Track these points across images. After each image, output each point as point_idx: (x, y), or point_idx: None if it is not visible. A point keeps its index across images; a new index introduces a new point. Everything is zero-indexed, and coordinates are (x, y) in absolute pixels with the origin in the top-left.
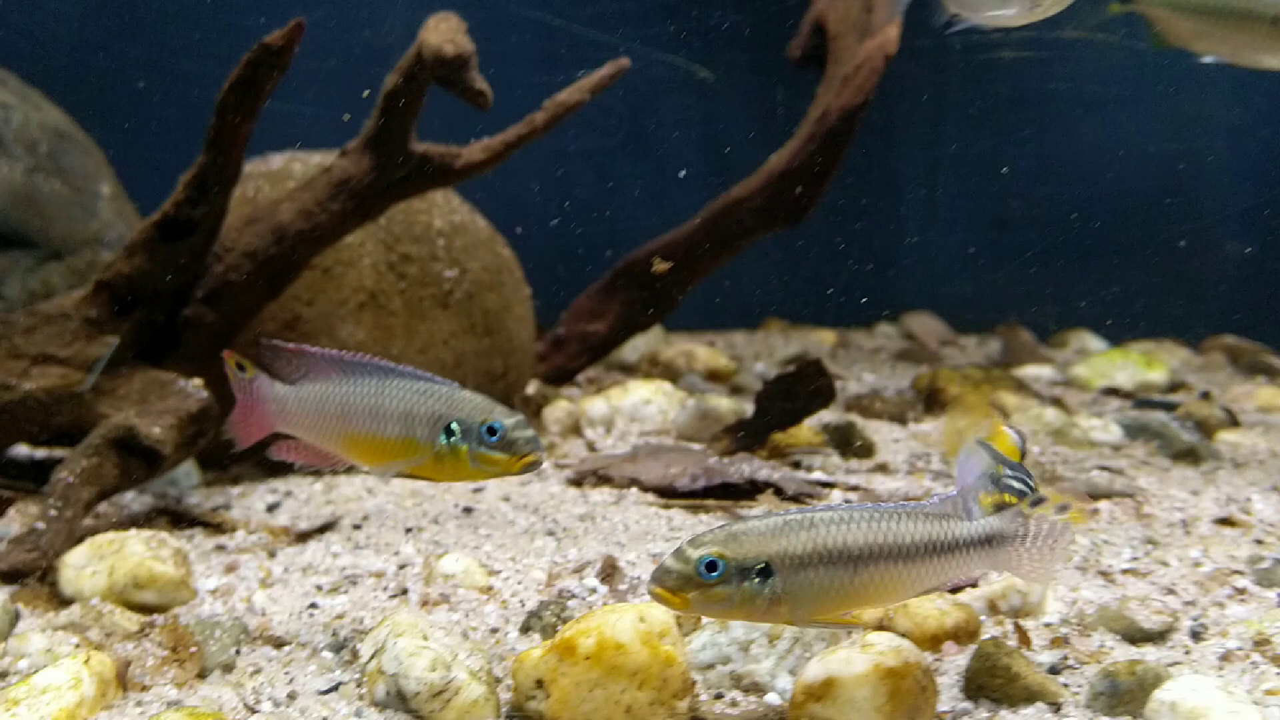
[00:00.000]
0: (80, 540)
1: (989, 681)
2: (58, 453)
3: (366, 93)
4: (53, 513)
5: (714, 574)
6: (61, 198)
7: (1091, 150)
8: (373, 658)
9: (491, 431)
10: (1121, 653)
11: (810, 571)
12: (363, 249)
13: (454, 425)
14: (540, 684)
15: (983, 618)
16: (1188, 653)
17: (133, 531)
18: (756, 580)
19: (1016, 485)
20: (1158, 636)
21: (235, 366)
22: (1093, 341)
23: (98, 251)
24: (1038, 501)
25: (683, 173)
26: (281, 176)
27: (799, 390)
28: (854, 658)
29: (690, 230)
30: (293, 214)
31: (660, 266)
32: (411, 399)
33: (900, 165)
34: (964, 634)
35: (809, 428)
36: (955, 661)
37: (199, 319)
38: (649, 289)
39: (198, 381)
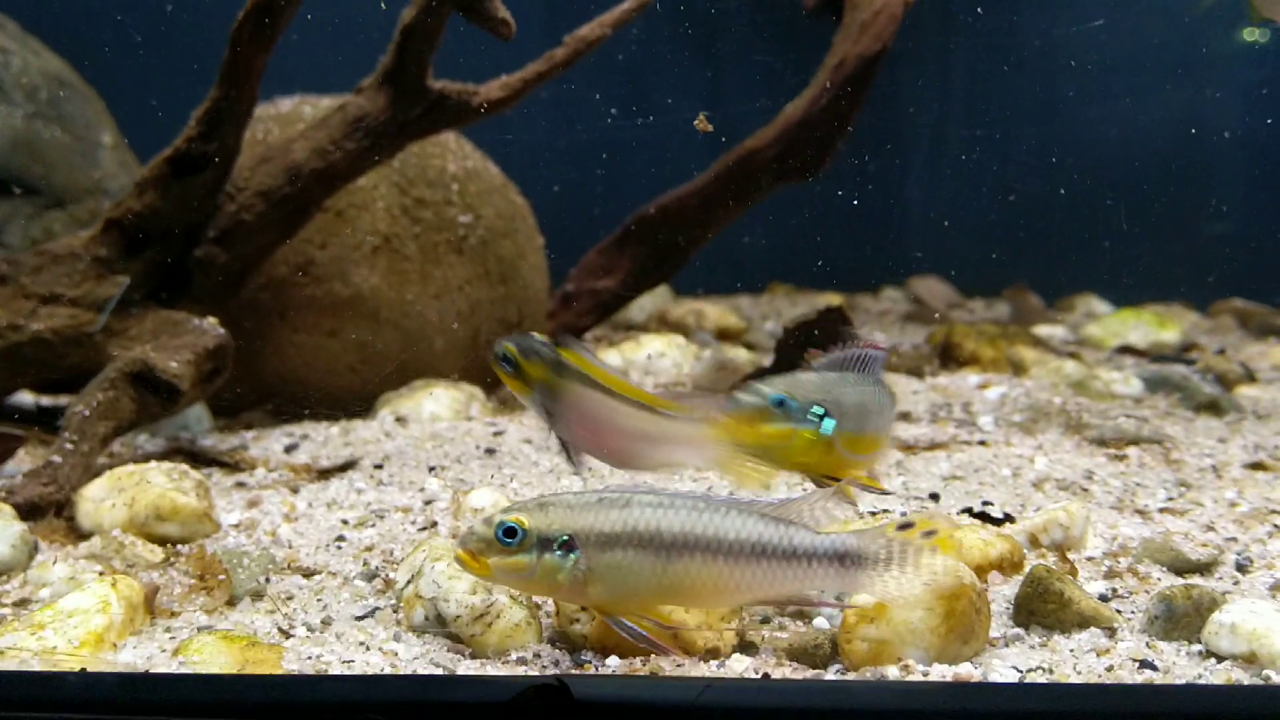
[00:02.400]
0: (97, 475)
1: (1040, 607)
2: (63, 399)
3: (385, 4)
4: (68, 446)
5: (512, 540)
6: (63, 145)
7: (1099, 114)
8: (409, 582)
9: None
10: (1169, 583)
11: (617, 552)
12: (376, 192)
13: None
14: (585, 607)
15: (1025, 550)
16: (1236, 583)
17: (153, 464)
18: (559, 553)
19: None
20: (1204, 568)
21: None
22: (1099, 306)
23: (100, 200)
24: (905, 525)
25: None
26: (291, 119)
27: (820, 336)
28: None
29: (703, 183)
30: (307, 152)
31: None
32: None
33: (905, 126)
34: (1009, 565)
35: None
36: (1001, 591)
37: (210, 259)
38: (660, 245)
39: (213, 319)
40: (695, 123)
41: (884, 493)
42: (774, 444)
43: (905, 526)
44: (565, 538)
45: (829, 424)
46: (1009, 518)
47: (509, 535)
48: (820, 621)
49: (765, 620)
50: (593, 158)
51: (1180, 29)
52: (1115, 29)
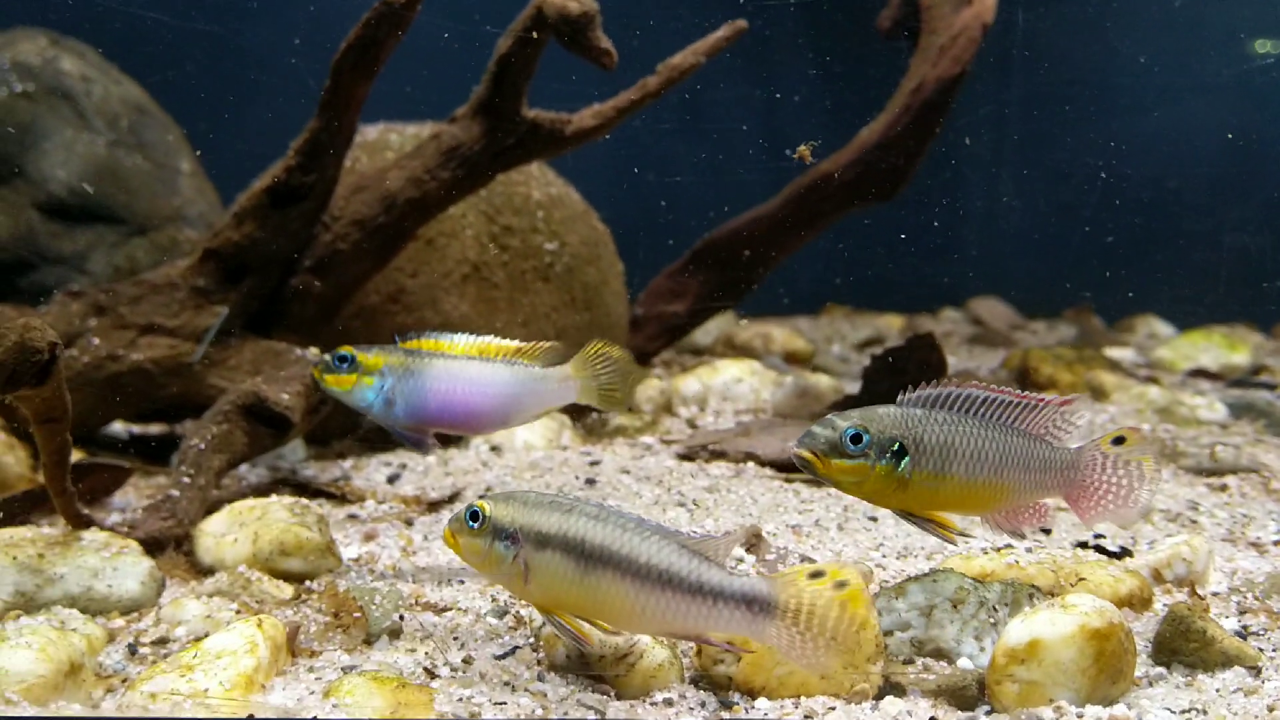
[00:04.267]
0: (212, 508)
1: (1182, 645)
2: (153, 429)
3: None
4: (185, 480)
5: (474, 524)
6: (144, 173)
7: (1158, 135)
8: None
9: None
10: None
11: (548, 553)
12: (465, 220)
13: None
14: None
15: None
16: None
17: (274, 498)
18: (505, 544)
19: None
20: None
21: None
22: (1161, 326)
23: (180, 228)
24: (816, 574)
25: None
26: (379, 147)
27: (908, 365)
28: (1058, 619)
29: (775, 207)
30: (401, 181)
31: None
32: None
33: (963, 147)
34: (1138, 601)
35: None
36: (1133, 628)
37: (307, 288)
38: (729, 268)
39: (315, 350)
40: (797, 153)
41: (950, 540)
42: (845, 479)
43: (816, 575)
44: (511, 531)
45: (905, 462)
46: (1126, 551)
47: (473, 519)
48: (964, 662)
49: (908, 661)
50: (655, 182)
51: (1243, 48)
52: (1176, 49)
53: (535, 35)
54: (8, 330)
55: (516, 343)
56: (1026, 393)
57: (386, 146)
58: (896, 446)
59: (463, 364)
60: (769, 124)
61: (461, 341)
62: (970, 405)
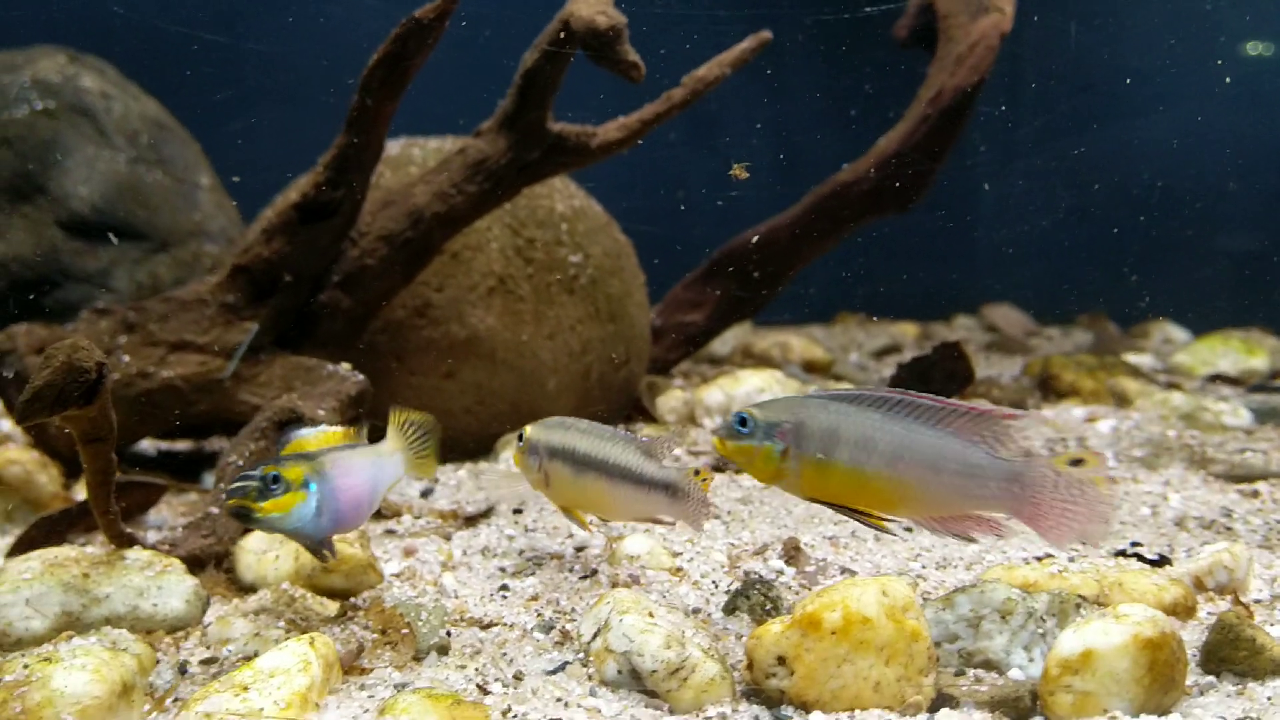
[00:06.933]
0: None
1: (1231, 654)
2: (179, 445)
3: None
4: (224, 497)
5: (520, 443)
6: (164, 189)
7: (1169, 140)
8: (596, 635)
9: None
10: None
11: (557, 463)
12: (490, 233)
13: None
14: (782, 660)
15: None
16: None
17: None
18: (535, 458)
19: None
20: None
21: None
22: (1176, 332)
23: (201, 243)
24: (696, 471)
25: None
26: (402, 162)
27: (934, 373)
28: (1111, 628)
29: (793, 216)
30: (428, 196)
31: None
32: None
33: (974, 154)
34: (1182, 610)
35: None
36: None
37: (334, 304)
38: (748, 278)
39: (347, 365)
40: (732, 171)
41: (882, 529)
42: (738, 459)
43: (696, 473)
44: (536, 447)
45: (774, 444)
46: (1165, 559)
47: (520, 440)
48: (1015, 673)
49: (959, 673)
50: (668, 194)
51: (1257, 51)
52: (1189, 55)
53: (562, 49)
54: (56, 350)
55: (336, 428)
56: (974, 404)
57: (409, 161)
58: (780, 430)
59: (347, 455)
60: (783, 135)
61: (311, 435)
62: (893, 406)
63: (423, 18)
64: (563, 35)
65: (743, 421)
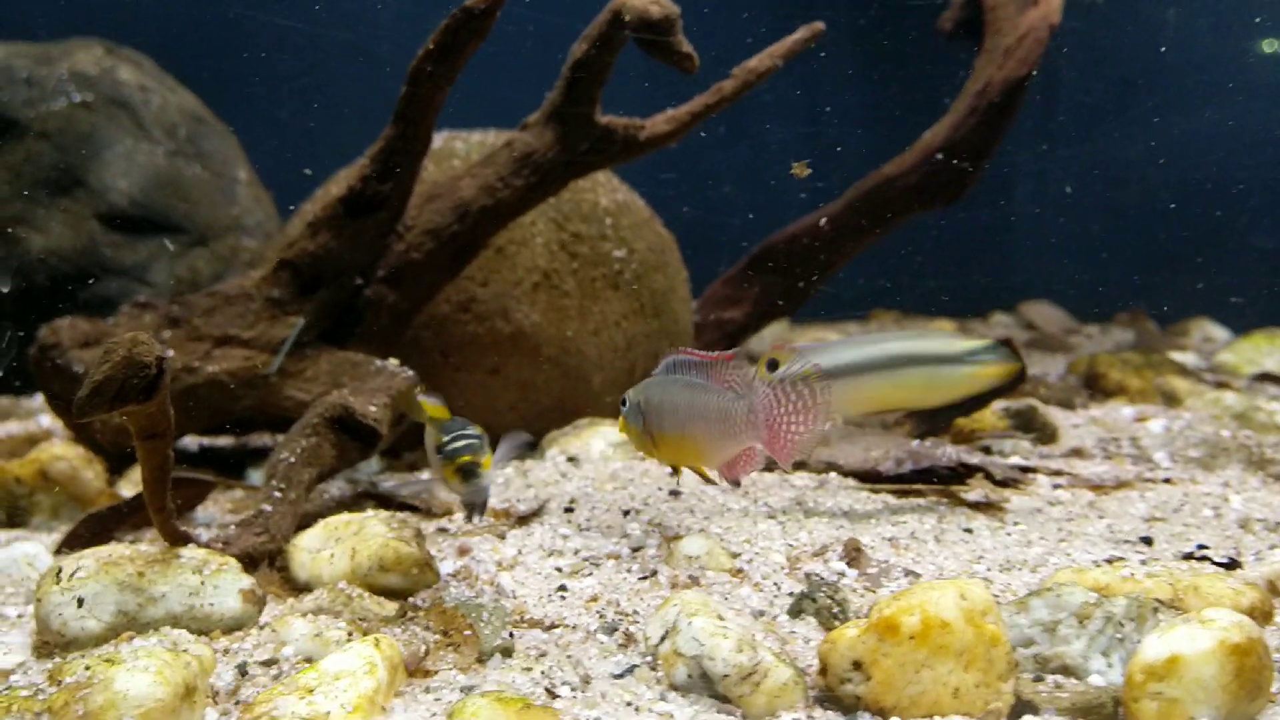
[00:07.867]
0: (302, 523)
1: None
2: (221, 441)
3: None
4: (276, 494)
5: (624, 408)
6: (203, 182)
7: (1209, 137)
8: (664, 639)
9: None
10: None
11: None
12: (534, 228)
13: None
14: (858, 665)
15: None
16: None
17: (369, 512)
18: (637, 418)
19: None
20: None
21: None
22: (1215, 330)
23: (239, 237)
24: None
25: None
26: (444, 155)
27: None
28: (1197, 634)
29: (835, 211)
30: (475, 190)
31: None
32: None
33: (1012, 151)
34: (1259, 614)
35: (992, 412)
36: None
37: (380, 299)
38: (788, 274)
39: (395, 360)
40: (792, 170)
41: (707, 480)
42: (626, 435)
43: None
44: (639, 405)
45: (638, 421)
46: (1235, 563)
47: (622, 404)
48: (1095, 679)
49: (1038, 679)
50: (712, 187)
51: None
52: (1230, 51)
53: (613, 39)
54: (116, 345)
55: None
56: (710, 353)
57: (452, 154)
58: (637, 408)
59: None
60: (825, 129)
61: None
62: (688, 369)
63: (474, 8)
64: (613, 25)
65: (623, 403)
